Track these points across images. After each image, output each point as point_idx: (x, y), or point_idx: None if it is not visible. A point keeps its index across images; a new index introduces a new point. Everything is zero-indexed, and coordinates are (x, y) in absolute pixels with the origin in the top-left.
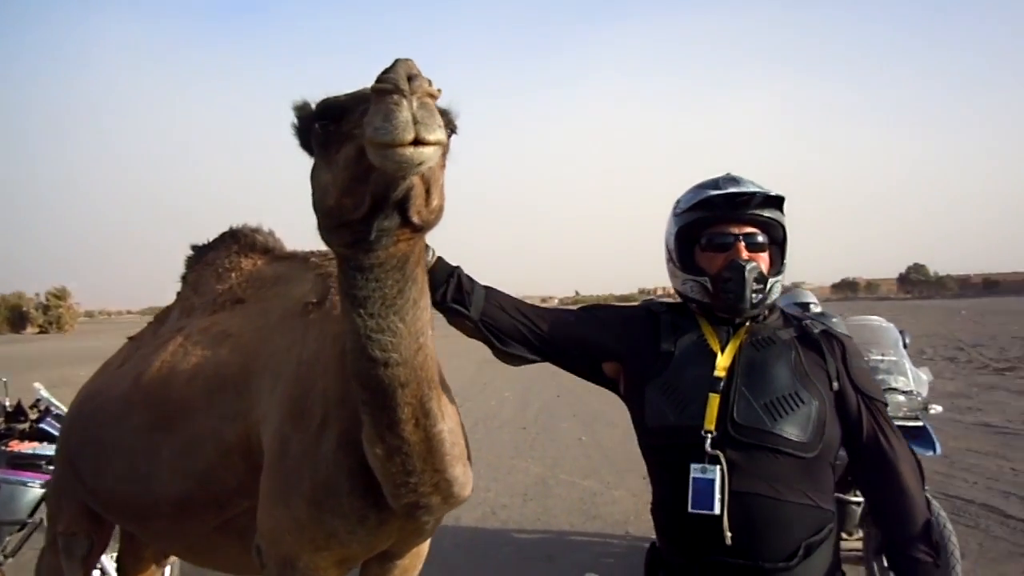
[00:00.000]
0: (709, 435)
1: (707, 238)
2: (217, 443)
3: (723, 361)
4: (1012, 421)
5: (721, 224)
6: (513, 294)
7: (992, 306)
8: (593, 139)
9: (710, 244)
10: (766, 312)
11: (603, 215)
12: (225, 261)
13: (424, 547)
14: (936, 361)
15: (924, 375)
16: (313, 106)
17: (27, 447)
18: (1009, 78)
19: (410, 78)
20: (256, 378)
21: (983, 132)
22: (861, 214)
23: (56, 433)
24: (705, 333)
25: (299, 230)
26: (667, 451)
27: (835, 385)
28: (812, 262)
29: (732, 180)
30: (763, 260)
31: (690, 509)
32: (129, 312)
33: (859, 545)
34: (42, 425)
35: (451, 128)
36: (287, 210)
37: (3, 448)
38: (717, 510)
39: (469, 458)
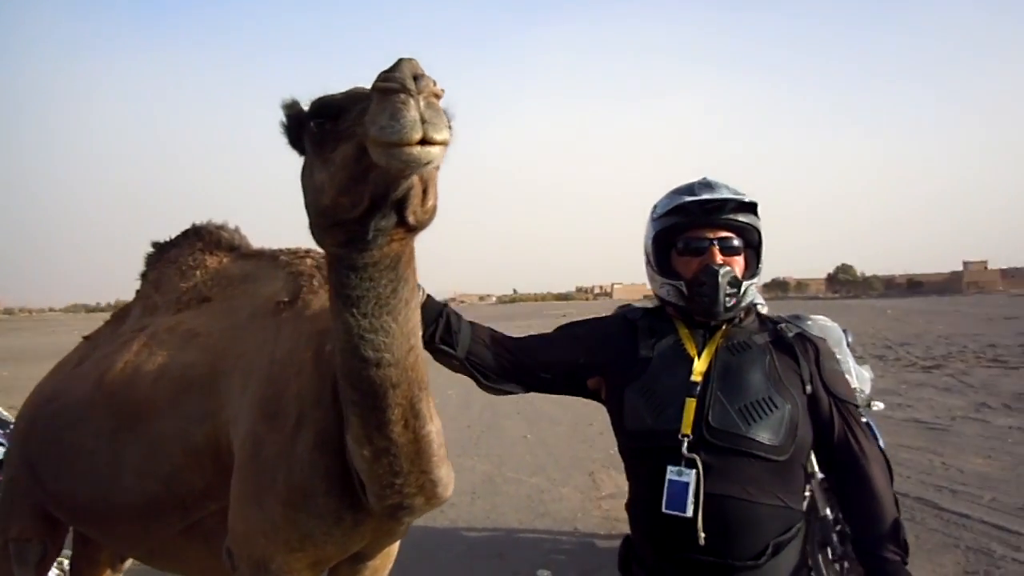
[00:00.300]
0: (685, 439)
1: (683, 243)
2: (184, 445)
3: (700, 366)
4: (940, 417)
5: (696, 229)
6: (451, 293)
7: (916, 305)
8: (528, 140)
9: (686, 249)
10: (742, 315)
11: (542, 215)
12: (189, 259)
13: (394, 548)
14: (866, 359)
15: (867, 372)
16: (303, 104)
17: None
18: (936, 83)
19: (416, 78)
20: (225, 378)
21: (907, 138)
22: (791, 216)
23: (2, 440)
24: (682, 337)
25: (254, 227)
26: (645, 453)
27: (808, 388)
28: None
29: (707, 186)
30: (738, 264)
31: (663, 509)
32: (52, 310)
33: None
34: None
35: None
36: (226, 208)
37: None
38: (689, 512)
39: None
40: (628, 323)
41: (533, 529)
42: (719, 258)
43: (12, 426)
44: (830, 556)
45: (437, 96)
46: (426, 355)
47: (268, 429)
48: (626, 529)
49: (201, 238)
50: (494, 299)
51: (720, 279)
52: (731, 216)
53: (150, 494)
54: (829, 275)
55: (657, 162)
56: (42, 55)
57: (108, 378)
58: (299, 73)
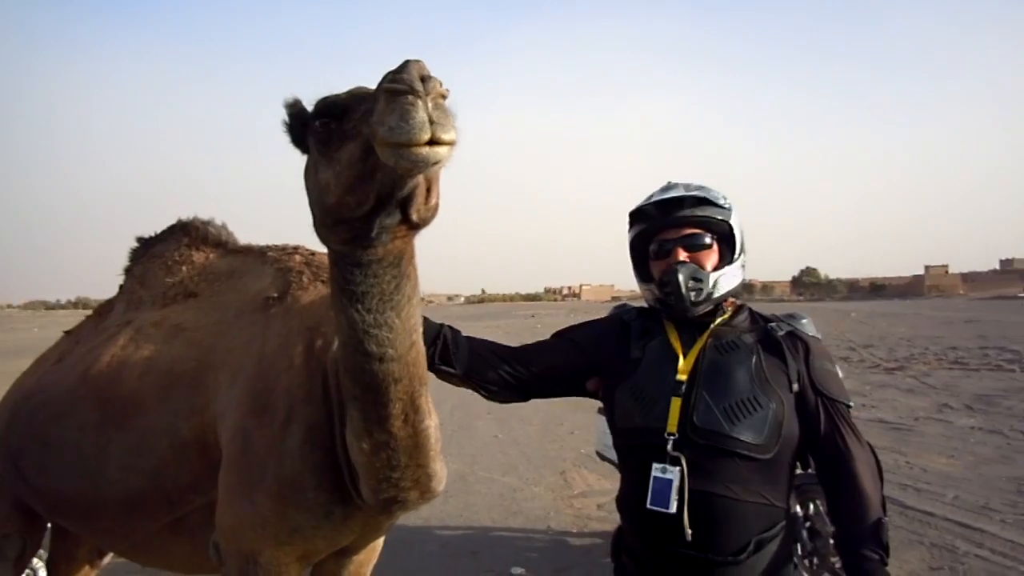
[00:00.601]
0: (671, 437)
1: (656, 246)
2: (171, 439)
3: (684, 365)
4: (904, 417)
5: (664, 231)
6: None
7: (879, 308)
8: (499, 140)
9: (657, 252)
10: (727, 307)
11: (511, 215)
12: (175, 254)
13: (379, 542)
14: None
15: (839, 371)
16: (304, 104)
17: None
18: (900, 88)
19: (423, 79)
20: (213, 373)
21: (869, 142)
22: (758, 219)
23: None
24: (670, 337)
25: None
26: (633, 450)
27: (795, 387)
28: None
29: (664, 189)
30: (708, 258)
31: (648, 505)
32: (10, 306)
33: None
34: None
35: None
36: (205, 205)
37: None
38: (673, 509)
39: None
40: (622, 324)
41: (506, 527)
42: (682, 256)
43: None
44: (799, 553)
45: (444, 97)
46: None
47: (258, 424)
48: (597, 527)
49: (187, 233)
50: (463, 299)
51: (680, 277)
52: (690, 212)
53: (135, 488)
54: (794, 278)
55: (628, 164)
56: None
57: (93, 372)
58: (269, 74)
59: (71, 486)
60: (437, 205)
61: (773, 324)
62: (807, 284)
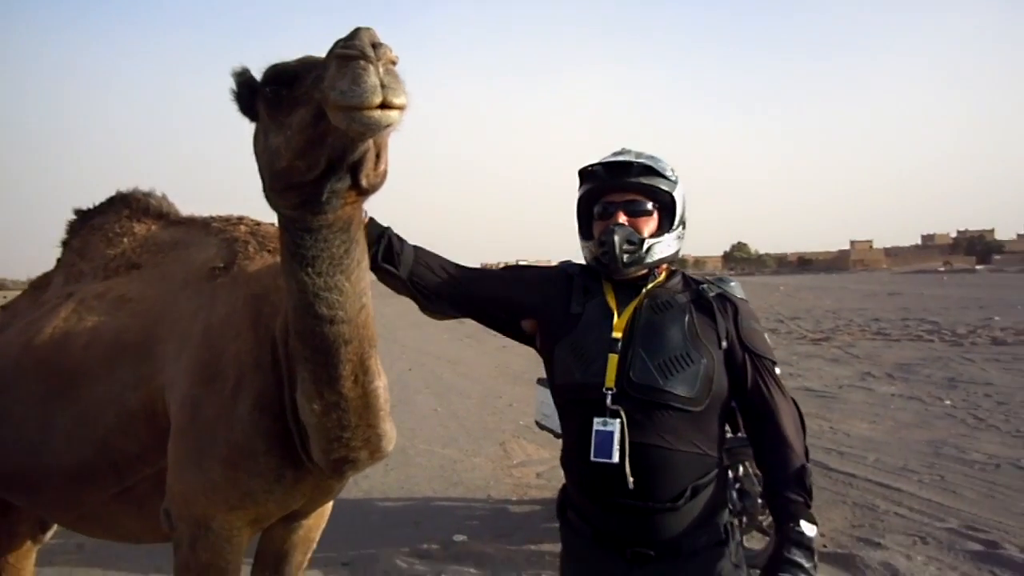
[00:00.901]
0: (609, 392)
1: (599, 207)
2: (118, 409)
3: (619, 323)
4: (828, 386)
5: (609, 194)
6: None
7: (806, 282)
8: (432, 115)
9: (600, 214)
10: (659, 273)
11: (444, 190)
12: (115, 226)
13: (328, 507)
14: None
15: (769, 342)
16: (253, 72)
17: None
18: (831, 66)
19: (374, 46)
20: (160, 343)
21: (799, 120)
22: (689, 195)
23: None
24: (607, 296)
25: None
26: (573, 405)
27: (724, 344)
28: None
29: (616, 153)
30: (647, 224)
31: (592, 458)
32: None
33: None
34: None
35: None
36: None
37: None
38: (616, 459)
39: None
40: (567, 276)
41: (447, 497)
42: (622, 219)
43: None
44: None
45: (394, 63)
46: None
47: (207, 392)
48: (537, 494)
49: (128, 205)
50: None
51: (616, 238)
52: (637, 179)
53: (82, 459)
54: (725, 253)
55: (563, 140)
56: None
57: (36, 344)
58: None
59: (16, 459)
60: (386, 172)
61: (704, 286)
62: (738, 259)
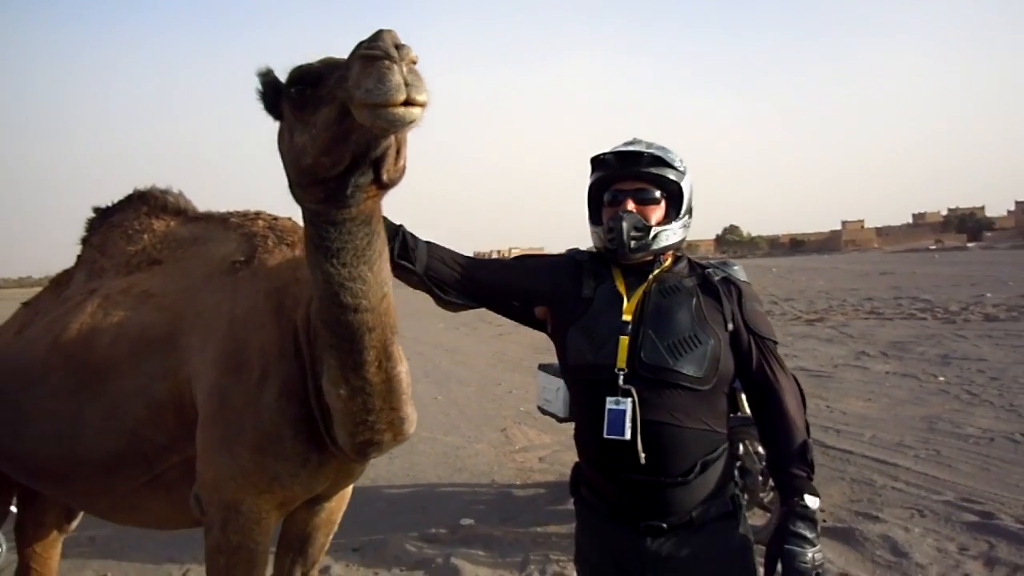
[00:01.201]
0: (621, 372)
1: (609, 195)
2: (147, 401)
3: (628, 306)
4: (824, 365)
5: (619, 182)
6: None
7: (799, 264)
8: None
9: (610, 201)
10: (665, 259)
11: (438, 178)
12: (135, 223)
13: (348, 491)
14: None
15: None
16: (276, 72)
17: None
18: (818, 48)
19: (397, 46)
20: (184, 336)
21: (789, 102)
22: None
23: None
24: (616, 281)
25: None
26: (586, 385)
27: (730, 326)
28: None
29: (627, 143)
30: (654, 212)
31: (605, 435)
32: None
33: None
34: None
35: None
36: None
37: None
38: (628, 436)
39: None
40: (576, 263)
41: (452, 483)
42: (631, 206)
43: None
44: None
45: (415, 62)
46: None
47: (234, 381)
48: (540, 478)
49: (146, 202)
50: None
51: (624, 224)
52: (647, 168)
53: (112, 449)
54: (718, 236)
55: (555, 127)
56: None
57: (64, 340)
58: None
59: (48, 451)
60: (405, 166)
61: (709, 270)
62: (730, 241)
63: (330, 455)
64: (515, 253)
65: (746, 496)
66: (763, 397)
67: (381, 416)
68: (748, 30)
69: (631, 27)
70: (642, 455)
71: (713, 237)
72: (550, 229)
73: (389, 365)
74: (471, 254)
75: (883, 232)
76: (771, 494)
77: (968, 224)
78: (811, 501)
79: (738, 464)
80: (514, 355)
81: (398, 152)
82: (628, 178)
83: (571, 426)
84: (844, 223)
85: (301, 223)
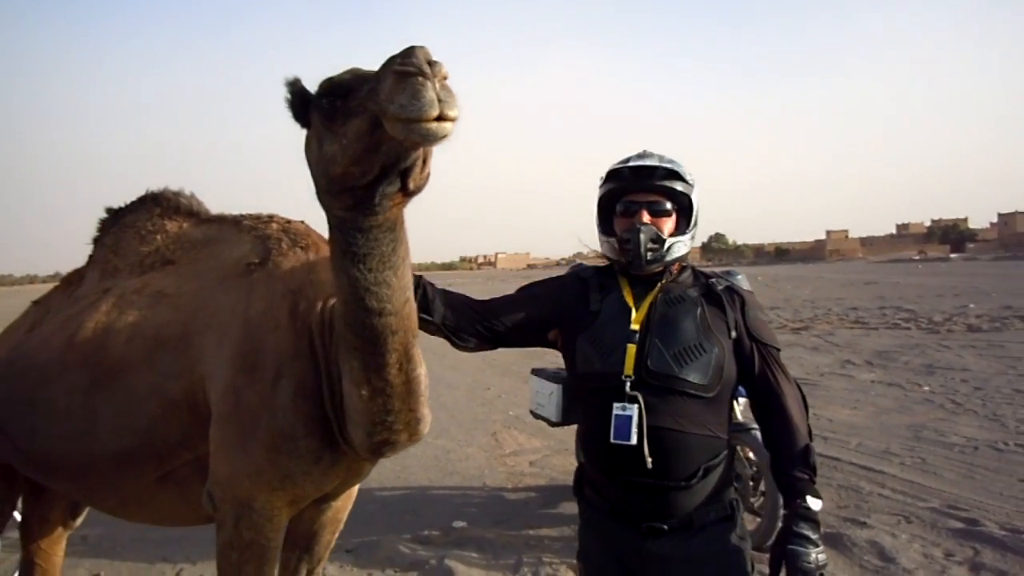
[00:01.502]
0: (628, 379)
1: (621, 206)
2: (161, 399)
3: (637, 316)
4: (810, 373)
5: (632, 193)
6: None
7: (784, 272)
8: None
9: (622, 211)
10: (673, 270)
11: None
12: (148, 223)
13: (355, 490)
14: None
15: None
16: (303, 82)
17: None
18: (801, 57)
19: (430, 63)
20: (199, 336)
21: (773, 113)
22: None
23: None
24: (624, 292)
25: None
26: (594, 392)
27: (733, 334)
28: None
29: (641, 156)
30: (666, 224)
31: (612, 440)
32: None
33: None
34: None
35: None
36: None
37: None
38: (634, 441)
39: None
40: (580, 280)
41: (443, 486)
42: (646, 218)
43: None
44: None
45: (446, 79)
46: None
47: (249, 381)
48: (531, 482)
49: (159, 203)
50: None
51: (641, 236)
52: (661, 182)
53: (126, 446)
54: (703, 244)
55: (539, 134)
56: None
57: (79, 338)
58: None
59: (61, 447)
60: (429, 176)
61: (713, 280)
62: (716, 250)
63: (342, 454)
64: (502, 258)
65: (739, 501)
66: (767, 403)
67: (399, 417)
68: (732, 38)
69: (614, 33)
70: (648, 460)
71: (699, 245)
72: (538, 234)
73: (410, 367)
74: (457, 259)
75: (867, 242)
76: (761, 499)
77: (951, 235)
78: (813, 503)
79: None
80: (503, 360)
81: (424, 162)
82: (642, 190)
83: (562, 431)
84: (829, 233)
85: (313, 227)
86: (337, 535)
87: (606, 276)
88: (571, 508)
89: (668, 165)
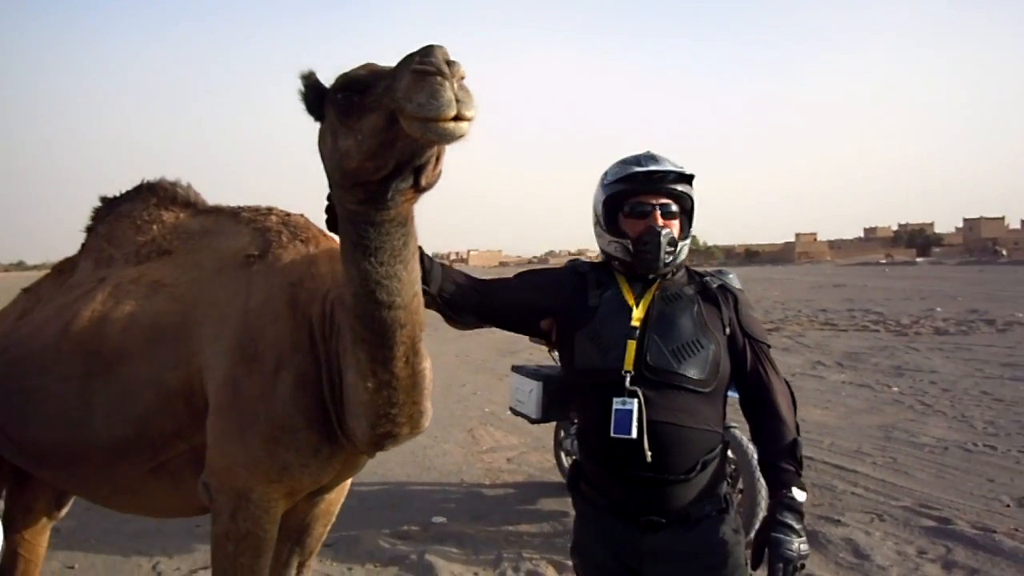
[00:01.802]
0: (628, 375)
1: (630, 207)
2: (157, 389)
3: (638, 313)
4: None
5: (642, 195)
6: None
7: (754, 274)
8: None
9: (632, 212)
10: (674, 270)
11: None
12: (143, 213)
13: (348, 483)
14: None
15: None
16: (317, 75)
17: None
18: (772, 56)
19: (448, 63)
20: (196, 327)
21: (743, 114)
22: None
23: None
24: (623, 289)
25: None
26: (593, 388)
27: (727, 331)
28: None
29: (652, 158)
30: (674, 226)
31: (612, 434)
32: None
33: None
34: None
35: None
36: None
37: None
38: (634, 435)
39: None
40: (578, 274)
41: (421, 482)
42: (660, 221)
43: None
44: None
45: (463, 78)
46: None
47: (247, 372)
48: (508, 478)
49: (155, 193)
50: None
51: (662, 239)
52: (672, 185)
53: (121, 436)
54: None
55: (511, 128)
56: None
57: (75, 327)
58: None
59: (55, 436)
60: (440, 173)
61: (708, 278)
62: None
63: (340, 447)
64: (473, 255)
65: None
66: (757, 397)
67: (403, 410)
68: (700, 40)
69: (587, 27)
70: (648, 453)
71: None
72: (510, 231)
73: (416, 360)
74: (431, 255)
75: (835, 245)
76: (739, 496)
77: (917, 240)
78: (798, 494)
79: None
80: (478, 357)
81: (437, 160)
82: (653, 192)
83: (539, 428)
84: (798, 235)
85: (312, 220)
86: (329, 528)
87: (603, 272)
88: (549, 504)
89: (680, 169)
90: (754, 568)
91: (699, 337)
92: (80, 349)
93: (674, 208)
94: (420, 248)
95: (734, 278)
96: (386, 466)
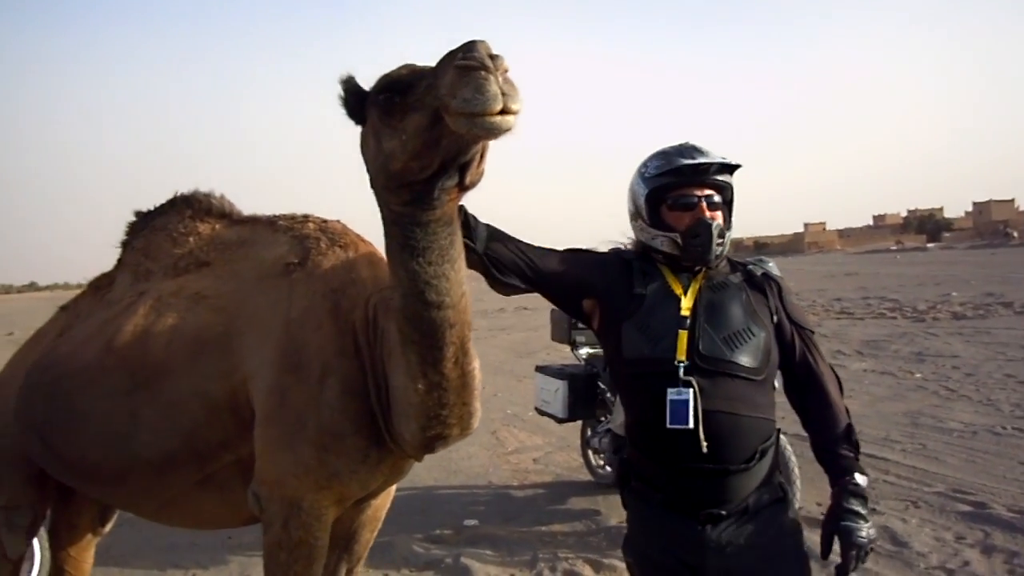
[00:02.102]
0: (681, 364)
1: (673, 199)
2: (203, 401)
3: (687, 302)
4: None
5: (686, 187)
6: None
7: None
8: None
9: (676, 204)
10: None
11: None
12: (179, 226)
13: (393, 489)
14: None
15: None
16: (356, 79)
17: None
18: (777, 49)
19: (491, 57)
20: (239, 337)
21: (749, 105)
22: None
23: None
24: (668, 280)
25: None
26: (644, 378)
27: (775, 318)
28: (604, 224)
29: (696, 150)
30: (718, 218)
31: (668, 425)
32: None
33: None
34: None
35: None
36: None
37: None
38: (691, 425)
39: None
40: (624, 261)
41: (449, 486)
42: (707, 213)
43: None
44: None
45: (507, 72)
46: None
47: (294, 380)
48: (536, 479)
49: (190, 205)
50: None
51: (712, 231)
52: (716, 177)
53: (167, 449)
54: None
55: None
56: None
57: (118, 342)
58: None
59: (101, 451)
60: (484, 171)
61: (751, 267)
62: None
63: (387, 451)
64: None
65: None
66: (807, 385)
67: (453, 411)
68: (705, 28)
69: (598, 23)
70: (704, 443)
71: None
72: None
73: (465, 361)
74: None
75: (845, 234)
76: None
77: (927, 225)
78: (861, 479)
79: None
80: (495, 359)
81: (481, 157)
82: (697, 184)
83: (564, 427)
84: (806, 225)
85: (348, 225)
86: (376, 533)
87: (646, 262)
88: (580, 503)
89: (723, 160)
90: (824, 557)
91: (750, 325)
92: (124, 364)
93: (717, 199)
94: (462, 206)
95: (774, 266)
96: (413, 471)
